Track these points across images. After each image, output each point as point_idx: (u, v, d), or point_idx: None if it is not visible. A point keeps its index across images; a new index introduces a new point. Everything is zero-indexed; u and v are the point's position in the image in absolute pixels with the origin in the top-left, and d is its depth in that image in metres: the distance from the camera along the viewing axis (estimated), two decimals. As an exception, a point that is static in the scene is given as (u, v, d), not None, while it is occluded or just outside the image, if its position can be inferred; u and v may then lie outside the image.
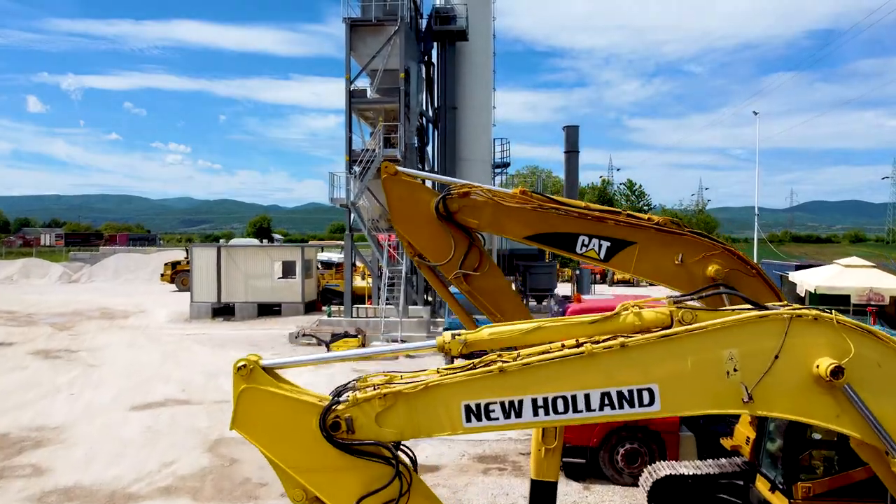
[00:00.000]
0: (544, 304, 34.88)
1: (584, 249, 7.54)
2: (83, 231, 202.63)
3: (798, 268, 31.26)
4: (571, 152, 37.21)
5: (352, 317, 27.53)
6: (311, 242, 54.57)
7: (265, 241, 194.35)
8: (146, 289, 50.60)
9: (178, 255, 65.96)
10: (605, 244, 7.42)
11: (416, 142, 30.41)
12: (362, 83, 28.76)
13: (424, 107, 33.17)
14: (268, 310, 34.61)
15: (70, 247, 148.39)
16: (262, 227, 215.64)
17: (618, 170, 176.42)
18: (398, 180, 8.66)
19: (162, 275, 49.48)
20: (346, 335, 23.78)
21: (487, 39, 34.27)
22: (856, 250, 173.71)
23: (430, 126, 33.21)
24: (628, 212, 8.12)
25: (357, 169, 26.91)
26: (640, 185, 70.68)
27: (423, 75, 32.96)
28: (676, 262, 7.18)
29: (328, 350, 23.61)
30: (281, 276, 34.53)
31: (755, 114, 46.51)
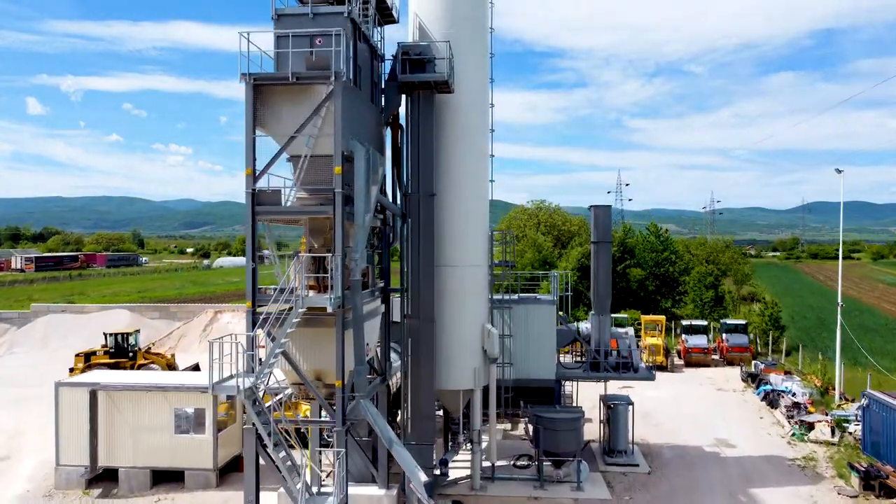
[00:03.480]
0: (564, 471, 24.20)
1: None
2: (61, 250, 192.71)
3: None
4: (601, 243, 26.44)
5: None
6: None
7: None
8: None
9: (113, 321, 55.51)
10: None
11: (368, 259, 19.84)
12: (283, 173, 18.24)
13: (390, 190, 22.64)
14: (167, 477, 24.07)
15: (40, 272, 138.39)
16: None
17: (626, 184, 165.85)
18: None
19: (71, 369, 38.92)
20: None
21: (482, 87, 23.70)
22: (880, 270, 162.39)
23: (398, 221, 22.60)
24: None
25: (269, 312, 16.29)
26: (667, 230, 59.97)
27: (388, 145, 22.39)
28: None
29: None
30: (185, 430, 23.91)
31: (839, 172, 35.78)
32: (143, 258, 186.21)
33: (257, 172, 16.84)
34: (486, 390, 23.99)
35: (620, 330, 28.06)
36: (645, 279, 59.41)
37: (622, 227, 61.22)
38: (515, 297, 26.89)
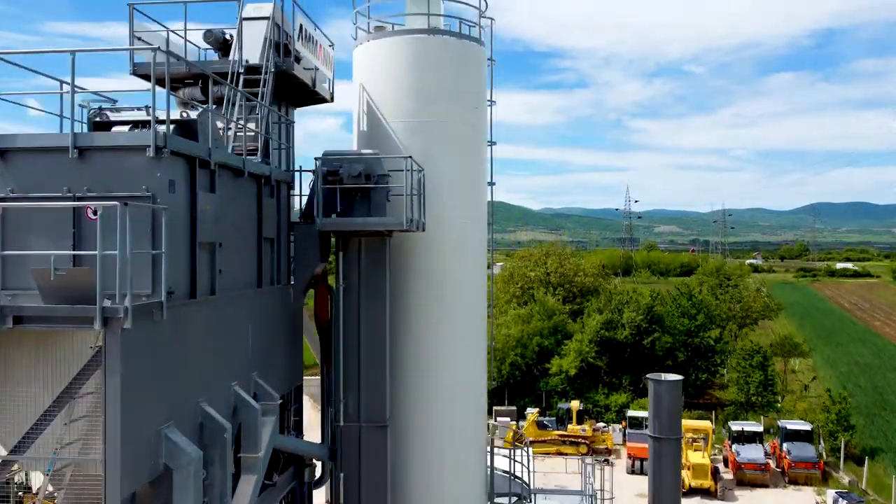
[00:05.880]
0: None
1: None
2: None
3: None
4: (665, 440, 16.65)
5: None
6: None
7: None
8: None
9: None
10: None
11: None
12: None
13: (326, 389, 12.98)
14: None
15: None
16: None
17: (636, 201, 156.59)
18: None
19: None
20: None
21: (475, 208, 14.02)
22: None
23: (327, 462, 12.86)
24: None
25: None
26: (700, 296, 50.28)
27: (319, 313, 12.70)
28: None
29: None
30: None
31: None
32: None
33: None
34: None
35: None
36: (674, 347, 49.57)
37: (650, 293, 51.37)
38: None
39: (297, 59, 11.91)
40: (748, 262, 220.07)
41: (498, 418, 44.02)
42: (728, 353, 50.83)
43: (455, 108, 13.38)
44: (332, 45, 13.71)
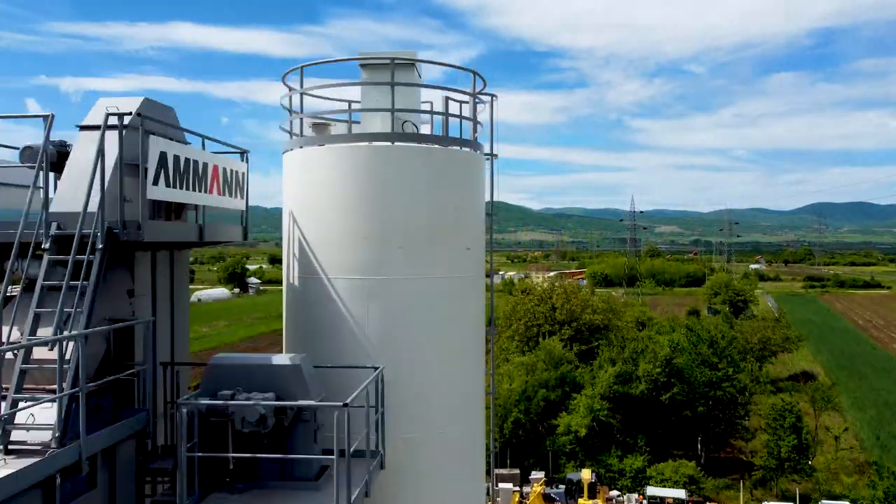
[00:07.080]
0: None
1: None
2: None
3: None
4: None
5: None
6: None
7: (237, 289, 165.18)
8: None
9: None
10: None
11: None
12: None
13: None
14: None
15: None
16: (235, 271, 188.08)
17: (640, 212, 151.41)
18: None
19: None
20: None
21: (464, 411, 9.13)
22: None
23: None
24: None
25: None
26: (723, 342, 45.22)
27: None
28: None
29: None
30: None
31: None
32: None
33: None
34: None
35: None
36: (693, 398, 44.46)
37: (666, 341, 46.26)
38: None
39: (171, 211, 7.02)
40: (752, 266, 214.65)
41: (499, 483, 39.19)
42: (750, 398, 45.92)
43: (436, 253, 8.49)
44: (244, 154, 8.79)
